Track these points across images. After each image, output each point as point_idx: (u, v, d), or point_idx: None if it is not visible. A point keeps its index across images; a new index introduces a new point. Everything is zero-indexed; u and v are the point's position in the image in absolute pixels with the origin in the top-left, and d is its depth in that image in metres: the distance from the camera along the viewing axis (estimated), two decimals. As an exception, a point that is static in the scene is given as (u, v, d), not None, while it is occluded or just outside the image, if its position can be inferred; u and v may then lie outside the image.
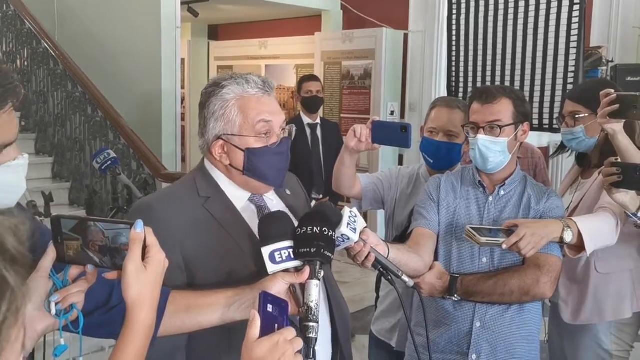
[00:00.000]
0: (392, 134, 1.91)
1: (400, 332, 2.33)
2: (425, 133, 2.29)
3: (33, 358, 1.26)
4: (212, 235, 1.40)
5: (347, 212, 1.36)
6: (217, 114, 1.41)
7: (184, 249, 1.36)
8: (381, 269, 1.45)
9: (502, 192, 1.94)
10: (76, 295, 1.05)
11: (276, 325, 1.03)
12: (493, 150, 1.87)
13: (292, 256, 1.26)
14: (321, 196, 4.30)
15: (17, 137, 1.08)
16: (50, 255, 1.03)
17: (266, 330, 1.02)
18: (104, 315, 1.07)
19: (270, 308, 1.04)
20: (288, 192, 1.61)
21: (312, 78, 4.54)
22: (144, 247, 1.02)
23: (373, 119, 1.97)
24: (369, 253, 1.41)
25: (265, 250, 1.26)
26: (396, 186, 2.36)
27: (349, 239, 1.35)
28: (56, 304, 1.02)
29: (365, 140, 1.95)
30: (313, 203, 4.48)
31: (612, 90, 1.92)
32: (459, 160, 2.28)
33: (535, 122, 3.85)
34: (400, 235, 2.24)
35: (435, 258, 1.92)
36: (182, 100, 6.58)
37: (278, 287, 1.24)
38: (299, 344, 1.04)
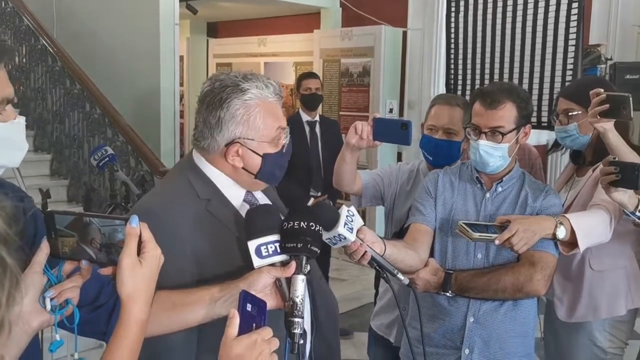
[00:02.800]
0: (392, 131, 1.92)
1: (399, 327, 2.34)
2: (424, 130, 2.30)
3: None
4: (218, 236, 1.39)
5: (344, 211, 1.37)
6: (240, 118, 1.38)
7: (196, 253, 1.35)
8: (377, 267, 1.45)
9: (499, 189, 1.94)
10: (71, 290, 1.05)
11: (254, 324, 1.04)
12: (494, 155, 1.87)
13: (279, 250, 1.26)
14: (319, 194, 4.30)
15: (13, 95, 1.09)
16: (43, 251, 1.03)
17: (244, 329, 1.03)
18: (90, 313, 1.07)
19: (249, 307, 1.05)
20: None
21: (311, 75, 4.54)
22: (140, 243, 1.02)
23: (374, 116, 1.97)
24: (365, 251, 1.42)
25: (252, 245, 1.26)
26: (396, 182, 2.37)
27: (345, 238, 1.36)
28: (51, 299, 1.02)
29: (366, 137, 1.96)
30: (311, 201, 4.48)
31: (602, 90, 1.93)
32: (458, 158, 2.28)
33: (534, 119, 3.85)
34: (399, 232, 2.24)
35: (431, 253, 1.92)
36: (181, 97, 6.57)
37: (264, 281, 1.25)
38: (276, 344, 1.05)
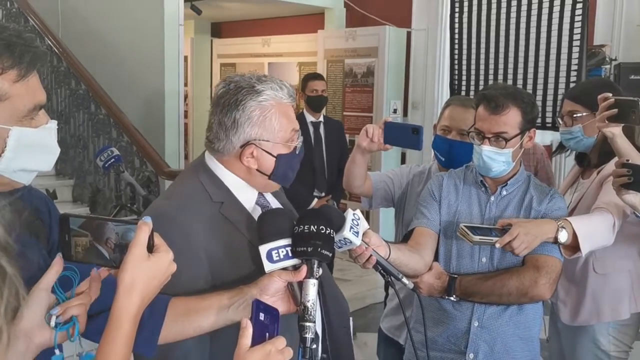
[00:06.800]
0: (403, 135, 1.93)
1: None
2: (438, 131, 2.29)
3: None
4: (232, 240, 1.40)
5: (350, 215, 1.37)
6: (256, 120, 1.39)
7: (210, 258, 1.35)
8: (382, 271, 1.46)
9: (504, 192, 1.94)
10: (77, 307, 1.03)
11: (267, 333, 1.03)
12: (497, 161, 1.87)
13: (290, 254, 1.26)
14: (323, 194, 4.30)
15: (45, 101, 1.09)
16: (54, 269, 1.02)
17: (258, 339, 1.02)
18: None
19: (262, 316, 1.04)
20: None
21: (318, 77, 4.52)
22: (154, 246, 1.03)
23: (385, 120, 1.98)
24: (370, 255, 1.42)
25: (263, 249, 1.26)
26: (407, 184, 2.37)
27: (351, 242, 1.36)
28: (57, 316, 1.01)
29: (377, 140, 1.96)
30: (315, 201, 4.47)
31: (610, 95, 1.92)
32: (470, 160, 2.28)
33: (538, 120, 3.84)
34: (409, 234, 2.24)
35: (436, 256, 1.92)
36: (185, 97, 6.59)
37: (275, 286, 1.25)
38: (289, 353, 1.05)
